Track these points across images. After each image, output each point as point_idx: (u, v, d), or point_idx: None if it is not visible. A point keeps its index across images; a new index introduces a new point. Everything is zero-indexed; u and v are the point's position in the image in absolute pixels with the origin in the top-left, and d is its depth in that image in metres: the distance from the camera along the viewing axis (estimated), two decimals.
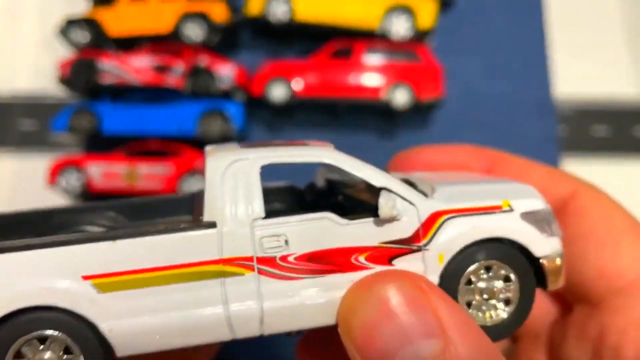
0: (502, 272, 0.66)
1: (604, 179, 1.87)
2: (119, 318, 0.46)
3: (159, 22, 1.87)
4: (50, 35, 1.96)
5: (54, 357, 0.45)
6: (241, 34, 1.98)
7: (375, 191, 0.64)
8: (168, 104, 1.86)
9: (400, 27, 1.84)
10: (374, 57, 1.85)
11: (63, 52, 1.92)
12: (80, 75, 1.85)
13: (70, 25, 1.89)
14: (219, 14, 1.85)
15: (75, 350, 0.46)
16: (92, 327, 0.46)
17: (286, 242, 0.54)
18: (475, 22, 1.97)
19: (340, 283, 0.55)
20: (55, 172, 1.80)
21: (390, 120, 1.87)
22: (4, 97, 1.97)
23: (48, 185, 1.79)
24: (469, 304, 0.64)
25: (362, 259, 0.56)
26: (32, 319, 0.44)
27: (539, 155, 1.84)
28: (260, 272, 0.52)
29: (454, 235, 0.61)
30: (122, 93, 1.89)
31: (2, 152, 1.94)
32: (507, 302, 0.66)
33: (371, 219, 0.59)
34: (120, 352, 0.47)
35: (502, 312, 0.65)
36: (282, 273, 0.53)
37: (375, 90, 1.80)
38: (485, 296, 0.65)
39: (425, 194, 0.64)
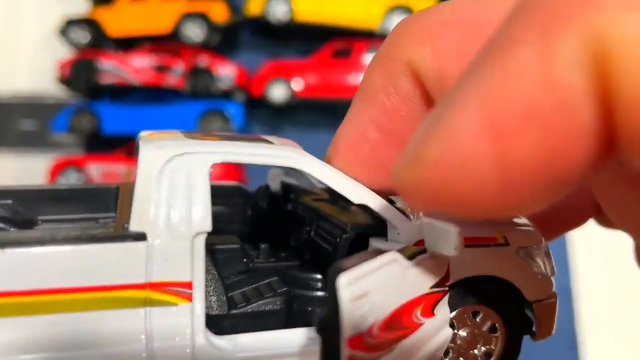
0: (490, 320, 0.58)
1: None
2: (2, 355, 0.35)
3: (159, 22, 1.87)
4: (50, 35, 1.96)
5: None
6: (241, 34, 1.98)
7: (344, 205, 0.55)
8: (168, 103, 1.86)
9: None
10: None
11: (63, 52, 1.92)
12: (80, 75, 1.85)
13: (70, 25, 1.89)
14: (219, 14, 1.86)
15: None
16: None
17: None
18: None
19: None
20: (56, 172, 1.80)
21: None
22: (5, 97, 1.97)
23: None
24: (445, 353, 0.55)
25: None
26: None
27: None
28: None
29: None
30: (122, 93, 1.89)
31: (2, 152, 1.94)
32: (488, 355, 0.57)
33: (425, 255, 0.46)
34: None
35: None
36: None
37: None
38: (464, 345, 0.56)
39: (407, 215, 0.53)
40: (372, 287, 0.38)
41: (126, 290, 0.37)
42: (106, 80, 1.84)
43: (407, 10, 1.83)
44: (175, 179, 0.41)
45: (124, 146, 1.83)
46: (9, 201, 0.54)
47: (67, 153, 1.90)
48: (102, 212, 0.58)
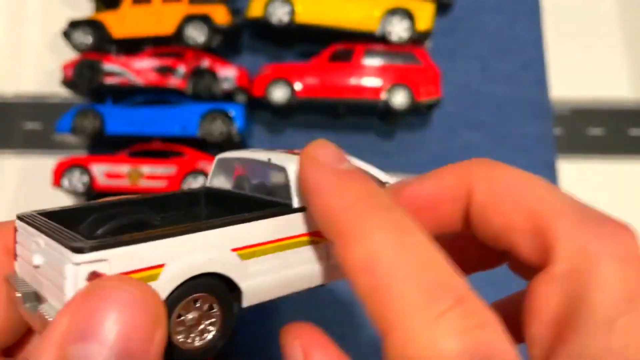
0: None
1: (599, 179, 1.91)
2: (253, 278, 0.59)
3: (162, 24, 1.90)
4: (55, 37, 1.99)
5: (201, 312, 0.57)
6: (243, 37, 2.01)
7: None
8: (170, 105, 1.89)
9: (399, 29, 1.87)
10: (374, 59, 1.87)
11: (68, 54, 1.95)
12: (83, 77, 1.88)
13: (73, 27, 1.92)
14: (221, 16, 1.88)
15: (216, 306, 0.57)
16: (230, 287, 0.58)
17: None
18: (473, 24, 1.99)
19: None
20: (60, 172, 1.83)
21: (389, 121, 1.90)
22: (9, 98, 2.00)
23: (53, 186, 1.82)
24: None
25: None
26: (195, 283, 0.55)
27: (536, 155, 1.88)
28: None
29: None
30: (125, 94, 1.91)
31: (6, 153, 1.97)
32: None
33: None
34: (246, 303, 0.59)
35: None
36: None
37: (375, 91, 1.83)
38: None
39: None
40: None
41: (303, 237, 0.64)
42: (109, 81, 1.87)
43: (406, 12, 1.85)
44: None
45: (127, 147, 1.86)
46: (140, 207, 0.78)
47: (71, 154, 1.93)
48: (193, 207, 0.84)
